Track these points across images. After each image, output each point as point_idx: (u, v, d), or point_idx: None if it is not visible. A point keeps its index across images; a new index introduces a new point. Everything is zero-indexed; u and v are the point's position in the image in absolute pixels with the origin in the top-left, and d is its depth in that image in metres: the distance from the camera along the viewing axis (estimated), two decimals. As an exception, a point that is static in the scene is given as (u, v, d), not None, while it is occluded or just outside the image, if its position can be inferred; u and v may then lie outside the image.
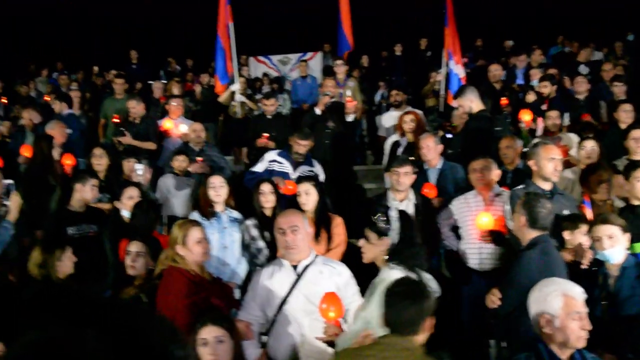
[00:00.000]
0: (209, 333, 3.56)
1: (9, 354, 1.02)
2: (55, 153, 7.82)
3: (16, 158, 8.51)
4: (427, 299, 3.38)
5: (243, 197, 6.89)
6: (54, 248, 5.15)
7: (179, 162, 7.74)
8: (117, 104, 10.33)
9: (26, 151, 8.29)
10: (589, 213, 5.56)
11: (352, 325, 4.11)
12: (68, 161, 7.82)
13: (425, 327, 3.34)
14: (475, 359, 5.74)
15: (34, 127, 9.33)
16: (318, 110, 9.07)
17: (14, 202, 5.69)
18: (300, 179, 6.47)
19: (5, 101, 13.62)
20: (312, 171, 7.58)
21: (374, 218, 4.32)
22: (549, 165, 5.48)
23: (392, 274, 4.02)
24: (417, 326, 3.31)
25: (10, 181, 5.87)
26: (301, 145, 7.54)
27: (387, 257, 4.33)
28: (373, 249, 4.44)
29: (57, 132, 8.45)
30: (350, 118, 9.24)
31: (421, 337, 3.36)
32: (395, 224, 4.44)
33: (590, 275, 4.75)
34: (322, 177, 7.66)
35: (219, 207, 6.33)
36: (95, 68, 16.62)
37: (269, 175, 7.22)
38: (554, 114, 8.40)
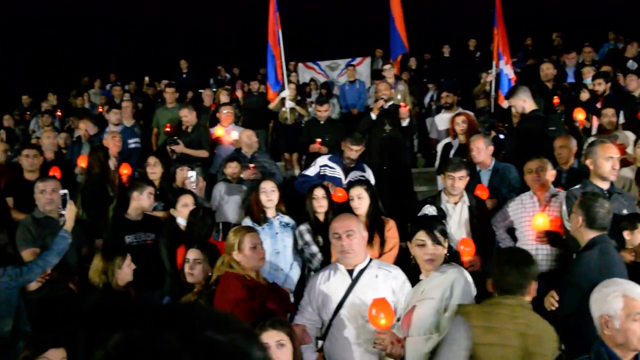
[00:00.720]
0: (270, 337, 3.55)
1: (95, 354, 1.04)
2: (111, 163, 7.96)
3: (73, 169, 8.70)
4: (532, 264, 3.75)
5: (294, 203, 6.93)
6: (114, 256, 5.25)
7: (232, 168, 7.81)
8: (169, 113, 10.51)
9: (82, 162, 8.48)
10: None
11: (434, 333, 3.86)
12: (125, 171, 7.97)
13: (531, 289, 3.68)
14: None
15: (90, 138, 9.54)
16: (373, 115, 9.06)
17: (70, 212, 5.79)
18: (352, 184, 6.46)
19: (60, 114, 13.93)
20: (363, 176, 7.55)
21: (436, 222, 4.23)
22: (607, 164, 5.38)
23: (456, 272, 3.95)
24: (524, 288, 3.65)
25: (65, 191, 5.98)
26: (353, 151, 7.53)
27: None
28: (443, 254, 4.10)
29: (112, 142, 8.62)
30: (405, 122, 9.21)
31: (528, 298, 3.69)
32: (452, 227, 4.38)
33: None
34: (372, 181, 7.64)
35: (270, 213, 6.37)
36: (147, 78, 16.88)
37: (320, 180, 7.25)
38: (609, 111, 8.24)
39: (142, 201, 6.54)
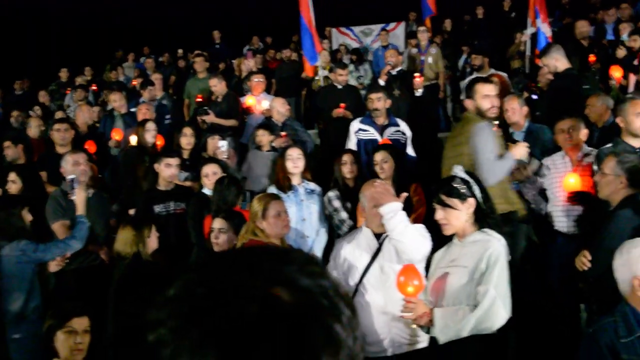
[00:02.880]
0: None
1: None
2: (148, 135, 7.95)
3: (106, 142, 8.78)
4: None
5: (329, 170, 6.90)
6: (142, 226, 5.30)
7: (260, 136, 7.80)
8: (200, 84, 10.52)
9: (117, 135, 8.54)
10: None
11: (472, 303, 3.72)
12: (158, 142, 8.00)
13: None
14: (566, 324, 5.57)
15: (123, 112, 9.59)
16: (382, 82, 8.95)
17: (80, 197, 5.88)
18: (376, 148, 6.41)
19: (96, 87, 14.06)
20: (399, 131, 7.52)
21: (453, 183, 4.06)
22: (637, 121, 5.23)
23: (494, 242, 3.77)
24: None
25: (73, 176, 6.05)
26: (374, 100, 7.48)
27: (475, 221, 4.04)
28: (459, 216, 3.92)
29: (141, 114, 8.70)
30: (418, 93, 9.00)
31: None
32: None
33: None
34: (409, 133, 7.62)
35: (296, 180, 6.34)
36: (180, 51, 16.92)
37: (360, 145, 7.30)
38: (648, 67, 8.02)
39: (162, 172, 6.57)
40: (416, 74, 9.36)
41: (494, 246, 3.75)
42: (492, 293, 3.59)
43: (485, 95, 5.22)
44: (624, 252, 3.36)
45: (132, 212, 6.80)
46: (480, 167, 4.94)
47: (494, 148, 5.08)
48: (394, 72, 9.21)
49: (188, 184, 7.03)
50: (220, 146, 7.47)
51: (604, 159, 4.70)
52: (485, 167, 4.93)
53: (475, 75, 9.86)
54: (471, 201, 3.90)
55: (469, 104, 5.34)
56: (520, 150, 5.14)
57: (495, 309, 3.58)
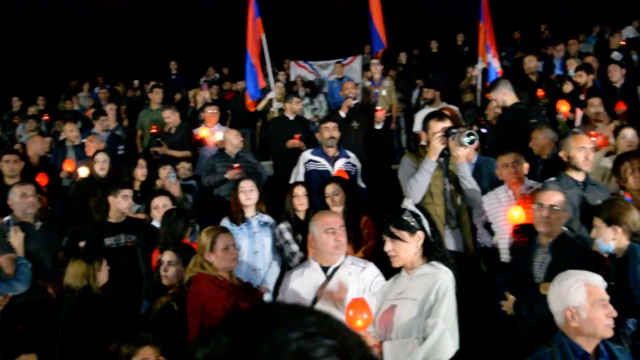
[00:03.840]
0: None
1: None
2: (97, 167, 7.90)
3: (58, 173, 8.69)
4: None
5: (281, 201, 6.93)
6: (92, 259, 5.25)
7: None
8: (153, 115, 10.48)
9: (69, 166, 8.47)
10: None
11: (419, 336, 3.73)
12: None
13: None
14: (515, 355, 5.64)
15: (77, 143, 9.52)
16: (342, 113, 9.06)
17: (17, 239, 5.86)
18: (327, 181, 6.47)
19: (48, 118, 13.91)
20: (349, 163, 7.61)
21: (405, 215, 4.11)
22: (580, 155, 5.39)
23: (442, 275, 3.81)
24: None
25: (8, 217, 6.03)
26: (330, 129, 7.58)
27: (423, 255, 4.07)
28: (408, 249, 3.95)
29: (90, 145, 8.67)
30: (378, 126, 9.11)
31: None
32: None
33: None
34: (359, 166, 7.72)
35: (249, 212, 6.36)
36: (136, 82, 16.86)
37: (311, 177, 7.34)
38: (595, 101, 8.21)
39: (117, 204, 6.55)
40: (378, 108, 9.48)
41: (443, 279, 3.79)
42: (441, 325, 3.62)
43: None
44: (556, 284, 3.45)
45: (82, 244, 6.73)
46: (405, 191, 5.26)
47: (412, 172, 5.30)
48: (352, 105, 9.32)
49: (141, 216, 6.98)
50: (170, 177, 7.46)
51: (548, 194, 4.79)
52: (405, 188, 5.23)
53: (427, 108, 10.02)
54: (420, 234, 3.94)
55: (423, 136, 5.46)
56: (435, 147, 5.22)
57: (444, 341, 3.61)
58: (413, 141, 11.69)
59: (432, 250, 3.97)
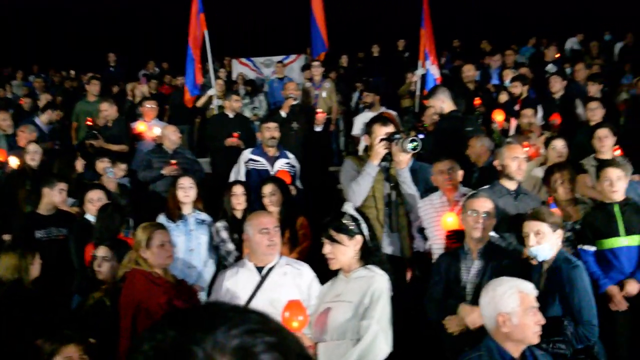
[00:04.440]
0: None
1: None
2: (28, 157, 7.75)
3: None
4: None
5: (218, 199, 6.91)
6: (25, 252, 5.16)
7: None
8: (90, 107, 10.30)
9: (1, 155, 8.27)
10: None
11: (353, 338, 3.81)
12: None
13: None
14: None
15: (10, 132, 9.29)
16: (283, 113, 9.09)
17: None
18: (264, 181, 6.48)
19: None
20: (289, 163, 7.64)
21: (343, 219, 4.19)
22: (513, 164, 5.52)
23: (378, 279, 3.91)
24: None
25: None
26: (271, 129, 7.59)
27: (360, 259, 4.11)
28: (346, 252, 4.04)
29: (22, 136, 8.47)
30: (318, 128, 9.19)
31: None
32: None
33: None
34: (297, 167, 7.77)
35: (186, 209, 6.33)
36: (72, 72, 16.53)
37: (250, 176, 7.33)
38: (528, 112, 8.43)
39: (53, 197, 6.45)
40: (319, 110, 9.53)
41: (378, 282, 3.89)
42: (375, 328, 3.71)
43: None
44: (489, 290, 3.54)
45: (7, 237, 6.60)
46: (346, 194, 5.33)
47: (354, 175, 5.37)
48: (292, 105, 9.35)
49: (74, 209, 6.86)
50: (108, 171, 7.36)
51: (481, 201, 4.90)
52: (347, 191, 5.31)
53: (367, 112, 10.12)
54: (358, 238, 4.03)
55: (366, 139, 5.53)
56: (378, 152, 5.28)
57: (377, 343, 3.69)
58: (351, 144, 11.77)
59: (369, 255, 4.06)
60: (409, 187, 5.38)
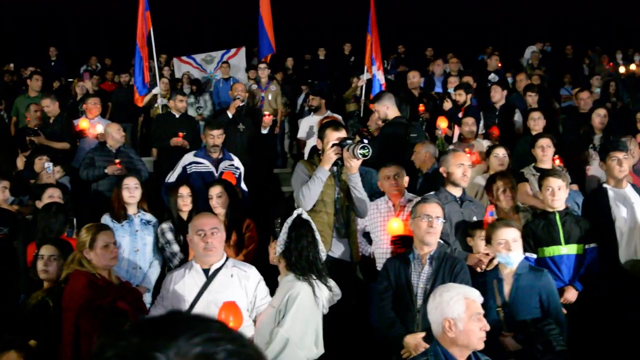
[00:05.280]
0: None
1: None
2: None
3: None
4: None
5: (162, 199, 6.86)
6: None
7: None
8: (30, 102, 10.08)
9: None
10: (489, 220, 5.65)
11: (269, 343, 3.90)
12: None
13: None
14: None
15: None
16: (229, 114, 9.07)
17: None
18: (211, 183, 6.46)
19: None
20: (232, 165, 7.62)
21: (275, 221, 4.30)
22: (458, 171, 5.64)
23: (297, 284, 4.01)
24: None
25: None
26: (215, 137, 7.56)
27: (286, 265, 4.21)
28: (270, 252, 4.37)
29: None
30: (264, 131, 9.21)
31: None
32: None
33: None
34: (241, 169, 7.76)
35: (131, 210, 6.29)
36: (11, 65, 16.12)
37: (193, 178, 7.24)
38: (469, 120, 8.57)
39: (-5, 195, 6.32)
40: (266, 113, 9.53)
41: (295, 288, 3.99)
42: (282, 335, 3.83)
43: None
44: (436, 295, 3.61)
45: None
46: (296, 199, 5.36)
47: (305, 180, 5.38)
48: (239, 106, 9.34)
49: (14, 207, 6.72)
50: (47, 167, 7.23)
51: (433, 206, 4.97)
52: (297, 195, 5.33)
53: (312, 115, 10.14)
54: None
55: (318, 143, 5.57)
56: (329, 157, 5.33)
57: (289, 350, 3.80)
58: (296, 146, 11.80)
59: (294, 261, 4.15)
60: (359, 192, 5.43)
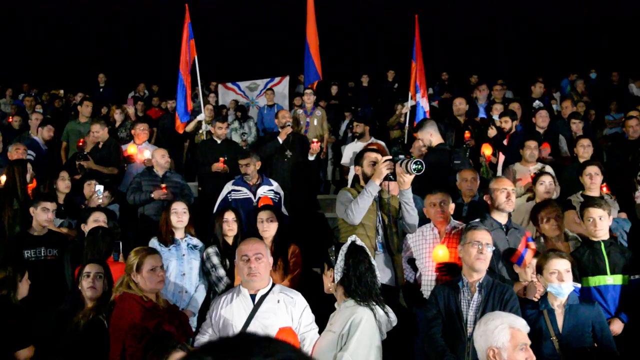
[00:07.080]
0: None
1: None
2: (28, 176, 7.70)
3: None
4: None
5: (205, 224, 6.92)
6: (15, 270, 5.15)
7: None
8: (80, 127, 10.30)
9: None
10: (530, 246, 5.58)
11: None
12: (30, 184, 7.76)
13: None
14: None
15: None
16: (280, 140, 9.14)
17: None
18: (262, 208, 6.51)
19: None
20: (272, 190, 7.67)
21: (329, 249, 4.30)
22: (501, 197, 5.60)
23: (359, 309, 4.00)
24: None
25: None
26: (243, 166, 7.63)
27: (344, 292, 4.22)
28: (325, 280, 4.34)
29: (15, 154, 8.44)
30: (312, 158, 9.24)
31: None
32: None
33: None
34: (281, 194, 7.83)
35: (179, 234, 6.36)
36: (61, 91, 16.50)
37: (233, 205, 7.28)
38: (532, 144, 8.40)
39: (37, 216, 6.45)
40: (314, 140, 9.58)
41: (358, 313, 3.97)
42: (348, 358, 3.81)
43: (372, 162, 5.58)
44: (482, 323, 3.58)
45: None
46: (343, 215, 5.45)
47: (350, 199, 5.47)
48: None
49: (63, 230, 6.84)
50: (97, 190, 7.35)
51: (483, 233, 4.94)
52: (344, 213, 5.43)
53: (356, 141, 10.17)
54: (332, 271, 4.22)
55: (357, 170, 5.61)
56: (381, 171, 5.33)
57: None
58: (339, 172, 11.83)
59: (354, 287, 4.15)
60: (412, 208, 5.43)
